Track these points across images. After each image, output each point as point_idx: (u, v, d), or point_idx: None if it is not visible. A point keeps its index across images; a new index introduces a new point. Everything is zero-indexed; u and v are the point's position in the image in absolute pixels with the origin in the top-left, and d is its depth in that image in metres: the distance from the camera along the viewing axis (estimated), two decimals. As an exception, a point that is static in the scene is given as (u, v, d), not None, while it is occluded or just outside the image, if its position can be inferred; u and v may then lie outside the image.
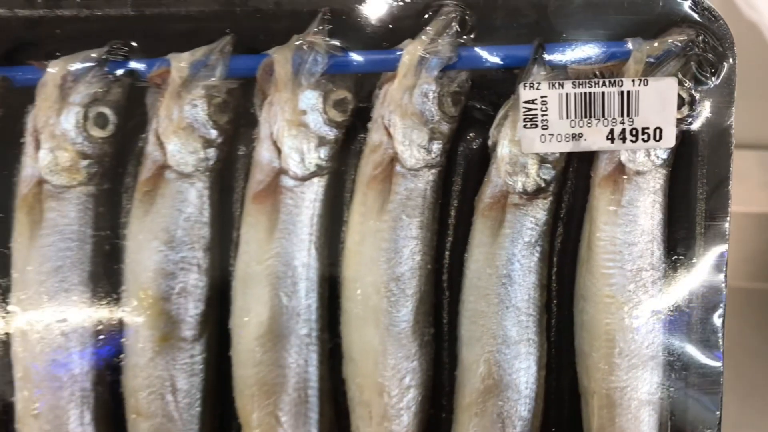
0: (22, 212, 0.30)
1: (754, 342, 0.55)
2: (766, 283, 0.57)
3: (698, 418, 0.31)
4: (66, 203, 0.30)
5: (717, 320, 0.30)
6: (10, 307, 0.30)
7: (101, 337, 0.31)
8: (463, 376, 0.31)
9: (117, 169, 0.31)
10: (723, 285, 0.30)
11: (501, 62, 0.29)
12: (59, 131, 0.29)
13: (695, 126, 0.30)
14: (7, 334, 0.31)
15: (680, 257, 0.30)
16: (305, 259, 0.30)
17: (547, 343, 0.31)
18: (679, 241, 0.30)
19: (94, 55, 0.29)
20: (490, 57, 0.29)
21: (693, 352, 0.30)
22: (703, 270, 0.30)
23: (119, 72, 0.29)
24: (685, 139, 0.30)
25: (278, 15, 0.30)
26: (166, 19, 0.30)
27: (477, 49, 0.29)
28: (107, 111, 0.29)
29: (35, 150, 0.30)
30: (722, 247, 0.30)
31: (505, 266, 0.30)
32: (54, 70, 0.29)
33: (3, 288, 0.30)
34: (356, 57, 0.29)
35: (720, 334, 0.30)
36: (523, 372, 0.30)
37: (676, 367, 0.31)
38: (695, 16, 0.29)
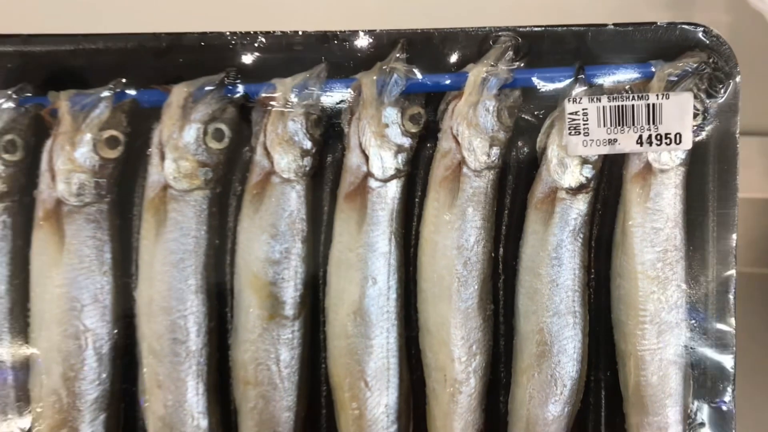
0: (149, 213, 0.35)
1: (760, 326, 0.58)
2: None
3: (716, 374, 0.37)
4: (186, 205, 0.35)
5: (730, 294, 0.37)
6: (136, 293, 0.36)
7: (212, 319, 0.36)
8: (521, 343, 0.37)
9: (227, 175, 0.37)
10: (733, 263, 0.36)
11: (548, 82, 0.36)
12: (182, 144, 0.35)
13: (707, 131, 0.36)
14: (130, 318, 0.36)
15: (697, 240, 0.36)
16: (387, 247, 0.36)
17: (588, 315, 0.37)
18: (696, 226, 0.36)
19: (211, 80, 0.35)
20: (539, 77, 0.36)
21: (710, 318, 0.36)
22: (716, 251, 0.36)
23: (233, 95, 0.35)
24: (700, 142, 0.36)
25: (363, 45, 0.36)
26: (270, 50, 0.36)
27: (528, 71, 0.36)
28: (223, 127, 0.35)
29: (160, 160, 0.35)
30: (732, 232, 0.36)
31: (555, 250, 0.36)
32: (178, 92, 0.35)
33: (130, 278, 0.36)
34: (428, 79, 0.36)
35: (732, 304, 0.36)
36: (571, 339, 0.36)
37: (697, 331, 0.37)
38: (706, 42, 0.35)
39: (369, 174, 0.35)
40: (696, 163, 0.36)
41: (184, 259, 0.35)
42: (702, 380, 0.37)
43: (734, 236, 0.36)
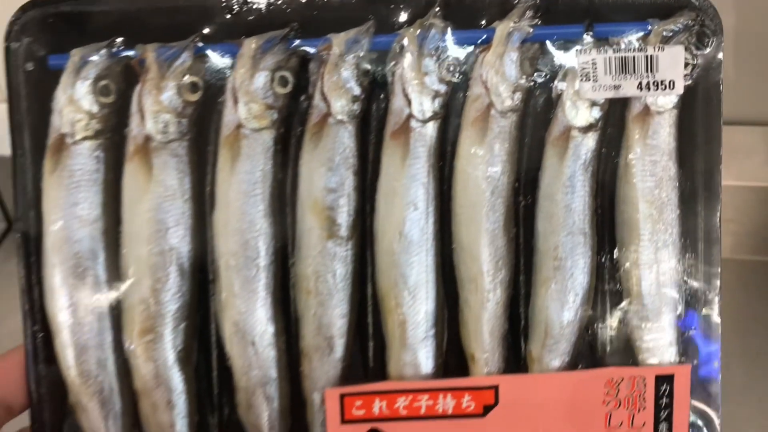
0: (225, 149, 0.41)
1: (760, 311, 0.60)
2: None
3: (705, 287, 0.43)
4: (255, 142, 0.41)
5: (716, 216, 0.43)
6: (213, 217, 0.42)
7: (278, 240, 0.42)
8: (540, 260, 0.43)
9: (289, 118, 0.43)
10: (719, 191, 0.43)
11: (563, 36, 0.42)
12: (252, 89, 0.41)
13: (696, 79, 0.42)
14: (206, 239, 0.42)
15: (688, 171, 0.43)
16: (426, 178, 0.42)
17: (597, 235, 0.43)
18: (686, 159, 0.43)
19: (277, 34, 0.41)
20: (555, 32, 0.42)
21: (699, 237, 0.43)
22: (703, 181, 0.43)
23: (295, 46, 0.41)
24: (690, 88, 0.42)
25: (406, 3, 0.42)
26: (325, 8, 0.42)
27: (545, 28, 0.42)
28: (287, 74, 0.41)
29: (234, 104, 0.41)
30: (718, 164, 0.43)
31: (569, 180, 0.42)
32: (248, 45, 0.41)
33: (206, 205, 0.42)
34: (461, 34, 0.42)
35: (718, 227, 0.43)
36: (582, 255, 0.43)
37: (689, 249, 0.43)
38: (695, 3, 0.42)
39: (411, 116, 0.42)
40: (686, 107, 0.43)
41: (254, 188, 0.41)
42: (692, 292, 0.43)
43: (721, 167, 0.42)
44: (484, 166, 0.42)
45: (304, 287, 0.42)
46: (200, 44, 0.41)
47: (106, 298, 0.42)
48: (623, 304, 0.44)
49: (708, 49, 0.42)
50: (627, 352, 0.44)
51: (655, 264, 0.43)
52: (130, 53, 0.41)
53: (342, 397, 0.42)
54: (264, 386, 0.43)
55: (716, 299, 0.43)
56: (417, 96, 0.41)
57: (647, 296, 0.43)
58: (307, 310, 0.42)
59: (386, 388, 0.42)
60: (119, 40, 0.41)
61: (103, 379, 0.42)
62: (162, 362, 0.42)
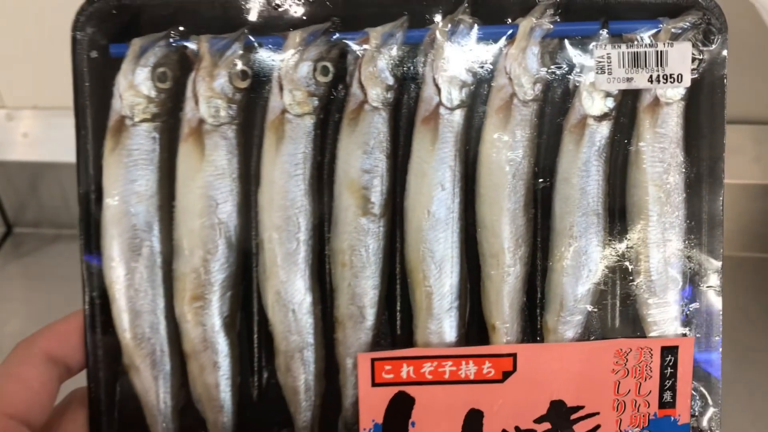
0: (270, 131, 0.45)
1: (749, 307, 0.62)
2: (759, 252, 0.67)
3: (706, 264, 0.47)
4: (298, 126, 0.45)
5: (719, 200, 0.47)
6: (259, 194, 0.46)
7: (315, 217, 0.46)
8: (557, 238, 0.47)
9: (328, 105, 0.46)
10: (722, 175, 0.46)
11: (580, 32, 0.46)
12: (296, 78, 0.45)
13: (702, 73, 0.46)
14: (249, 218, 0.46)
15: (694, 158, 0.47)
16: (453, 161, 0.46)
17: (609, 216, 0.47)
18: (693, 147, 0.47)
19: (319, 28, 0.45)
20: (573, 29, 0.46)
21: (704, 220, 0.47)
22: (708, 167, 0.47)
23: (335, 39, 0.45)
24: (697, 81, 0.46)
25: (437, 1, 0.45)
26: (363, 4, 0.46)
27: (564, 24, 0.46)
28: (329, 64, 0.45)
29: (279, 91, 0.45)
30: (721, 151, 0.46)
31: (584, 164, 0.46)
32: (293, 37, 0.45)
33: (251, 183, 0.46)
34: (487, 29, 0.46)
35: (720, 209, 0.46)
36: (595, 234, 0.46)
37: (693, 230, 0.47)
38: (702, 3, 0.45)
39: (440, 104, 0.45)
40: (693, 98, 0.46)
41: (296, 168, 0.45)
42: (696, 269, 0.47)
43: (723, 155, 0.46)
44: (507, 150, 0.45)
45: (339, 260, 0.46)
46: (249, 36, 0.45)
47: (159, 267, 0.45)
48: (632, 280, 0.47)
49: (713, 46, 0.46)
50: (635, 324, 0.48)
51: (663, 243, 0.46)
52: (186, 43, 0.45)
53: (373, 361, 0.46)
54: (302, 351, 0.46)
55: (718, 276, 0.47)
56: (446, 86, 0.45)
57: (654, 273, 0.47)
58: (342, 281, 0.46)
59: (413, 354, 0.46)
60: (175, 30, 0.45)
61: (155, 342, 0.46)
62: (209, 327, 0.46)
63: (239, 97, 0.45)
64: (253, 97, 0.46)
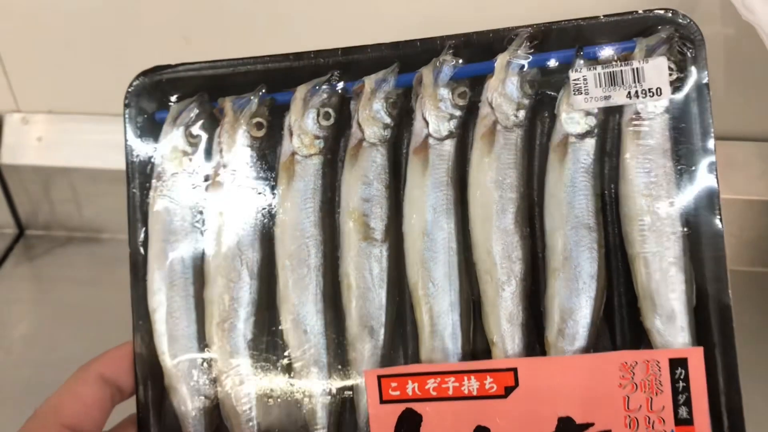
0: (283, 172, 0.51)
1: (755, 322, 0.63)
2: (765, 267, 0.64)
3: (710, 275, 0.46)
4: (306, 166, 0.52)
5: (715, 212, 0.46)
6: (275, 226, 0.52)
7: (326, 245, 0.51)
8: (550, 253, 0.48)
9: (334, 145, 0.52)
10: (715, 177, 0.46)
11: (556, 61, 0.49)
12: (304, 124, 0.51)
13: (684, 83, 0.47)
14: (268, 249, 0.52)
15: (683, 167, 0.47)
16: (445, 187, 0.50)
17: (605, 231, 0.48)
18: (681, 156, 0.47)
19: (322, 80, 0.52)
20: (550, 58, 0.49)
21: (702, 223, 0.46)
22: (701, 174, 0.47)
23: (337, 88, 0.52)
24: (679, 91, 0.47)
25: (423, 49, 0.51)
26: (359, 61, 0.52)
27: (541, 54, 0.49)
28: (330, 110, 0.51)
29: (290, 136, 0.52)
30: (712, 158, 0.47)
31: (569, 180, 0.48)
32: (301, 90, 0.52)
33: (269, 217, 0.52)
34: (469, 67, 0.50)
35: (718, 212, 0.46)
36: (587, 246, 0.47)
37: (692, 238, 0.47)
38: (678, 20, 0.47)
39: (429, 135, 0.50)
40: (679, 110, 0.47)
41: (306, 203, 0.51)
42: (699, 277, 0.46)
43: (713, 158, 0.46)
44: (492, 172, 0.49)
45: (346, 283, 0.50)
46: (264, 92, 0.52)
47: (192, 296, 0.52)
48: (634, 291, 0.47)
49: (690, 57, 0.47)
50: (640, 337, 0.47)
51: (658, 252, 0.46)
52: (213, 104, 0.53)
53: (380, 378, 0.49)
54: (317, 370, 0.50)
55: (722, 285, 0.46)
56: (434, 119, 0.50)
57: (653, 282, 0.46)
58: (349, 302, 0.50)
59: (416, 370, 0.48)
60: (204, 95, 0.53)
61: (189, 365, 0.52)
62: (234, 349, 0.51)
63: (257, 145, 0.52)
64: (270, 144, 0.53)
